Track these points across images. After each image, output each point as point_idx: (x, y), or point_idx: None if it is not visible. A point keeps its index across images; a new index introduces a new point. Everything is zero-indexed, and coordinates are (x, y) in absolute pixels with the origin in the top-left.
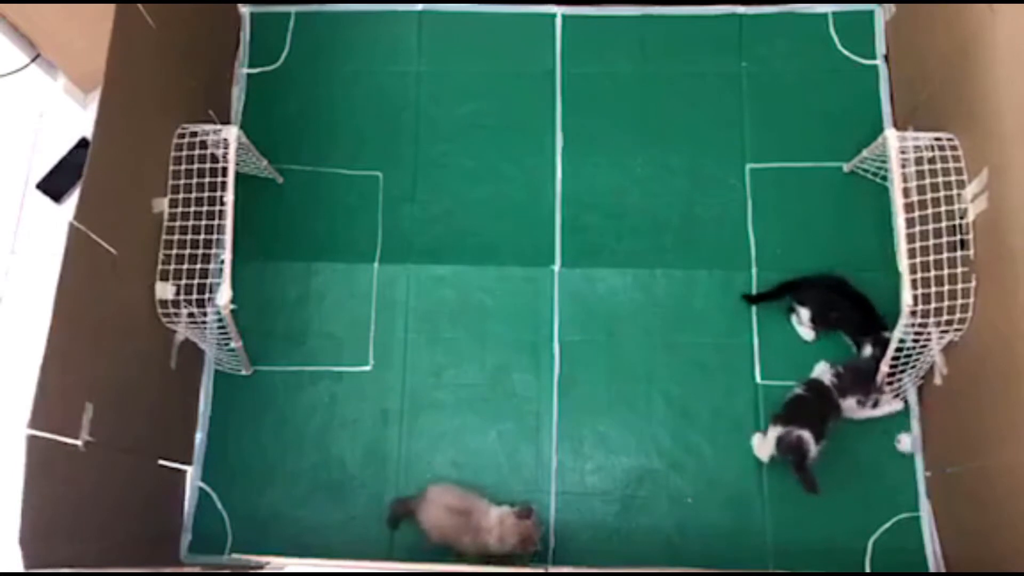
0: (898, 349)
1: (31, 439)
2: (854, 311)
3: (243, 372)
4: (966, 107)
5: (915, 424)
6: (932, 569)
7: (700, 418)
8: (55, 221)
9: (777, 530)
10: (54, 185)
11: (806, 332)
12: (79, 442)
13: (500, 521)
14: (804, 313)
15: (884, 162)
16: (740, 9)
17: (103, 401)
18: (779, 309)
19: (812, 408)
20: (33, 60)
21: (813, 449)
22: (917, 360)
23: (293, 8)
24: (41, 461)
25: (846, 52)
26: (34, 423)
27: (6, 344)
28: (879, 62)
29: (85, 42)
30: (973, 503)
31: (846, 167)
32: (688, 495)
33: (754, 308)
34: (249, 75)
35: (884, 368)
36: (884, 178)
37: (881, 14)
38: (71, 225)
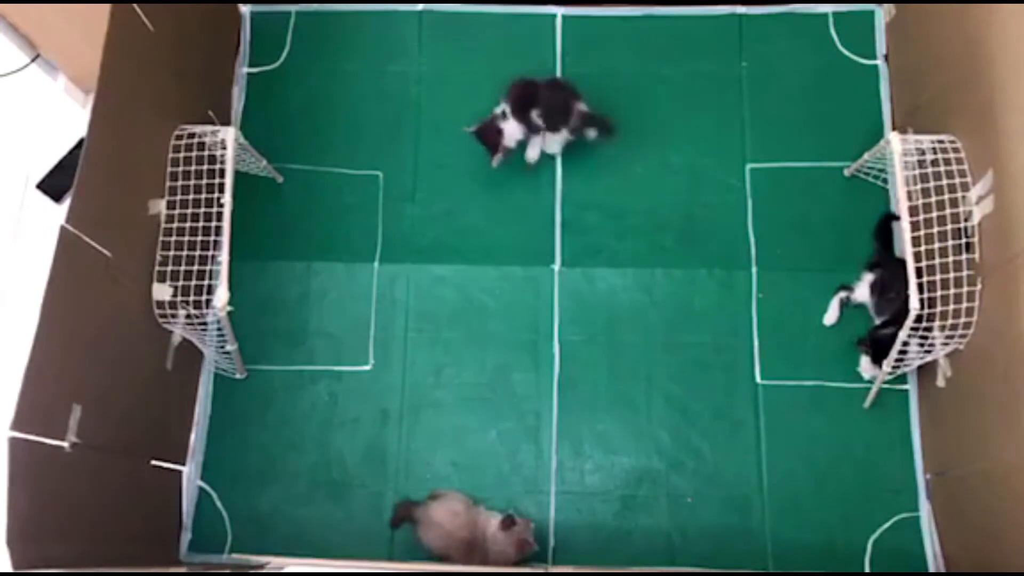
0: (901, 351)
1: (13, 441)
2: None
3: (237, 376)
4: (968, 108)
5: (915, 425)
6: (932, 569)
7: (700, 418)
8: (55, 221)
9: (777, 530)
10: (54, 185)
11: (833, 312)
12: (65, 443)
13: (495, 537)
14: (868, 277)
15: (884, 168)
16: (740, 9)
17: (93, 402)
18: (779, 309)
19: None
20: (33, 60)
21: None
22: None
23: (293, 7)
24: (25, 463)
25: (846, 52)
26: (16, 426)
27: (6, 344)
28: (879, 62)
29: (85, 42)
30: (974, 505)
31: (847, 171)
32: (688, 495)
33: (754, 308)
34: (249, 75)
35: (886, 368)
36: (885, 180)
37: (881, 14)
38: (62, 228)
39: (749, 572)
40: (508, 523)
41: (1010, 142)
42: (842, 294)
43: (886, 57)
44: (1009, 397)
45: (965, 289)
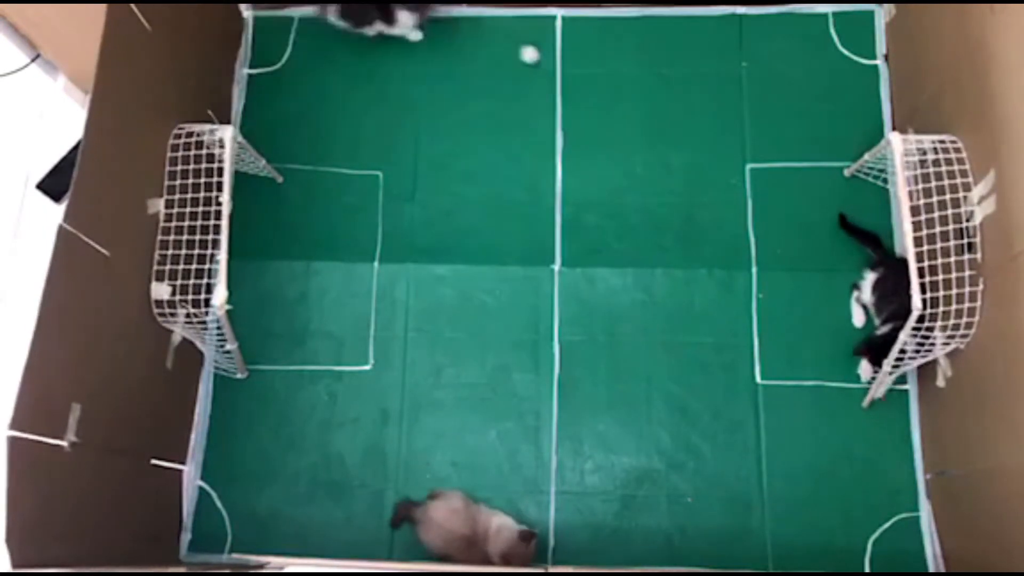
0: (901, 351)
1: (12, 440)
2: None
3: (238, 375)
4: (969, 108)
5: (915, 425)
6: (932, 569)
7: (700, 418)
8: (55, 221)
9: (777, 530)
10: (54, 185)
11: (858, 313)
12: (64, 443)
13: (498, 532)
14: (871, 277)
15: (884, 168)
16: (740, 9)
17: (93, 402)
18: (779, 309)
19: None
20: (33, 60)
21: None
22: (920, 360)
23: (296, 12)
24: (24, 462)
25: (846, 52)
26: (15, 424)
27: (6, 344)
28: (879, 62)
29: (85, 42)
30: (974, 505)
31: (847, 172)
32: (688, 495)
33: (754, 308)
34: (250, 75)
35: (886, 368)
36: (885, 180)
37: (881, 14)
38: (60, 228)
39: (749, 572)
40: (528, 537)
41: (1012, 142)
42: (855, 294)
43: (886, 57)
44: (1009, 397)
45: (967, 289)
